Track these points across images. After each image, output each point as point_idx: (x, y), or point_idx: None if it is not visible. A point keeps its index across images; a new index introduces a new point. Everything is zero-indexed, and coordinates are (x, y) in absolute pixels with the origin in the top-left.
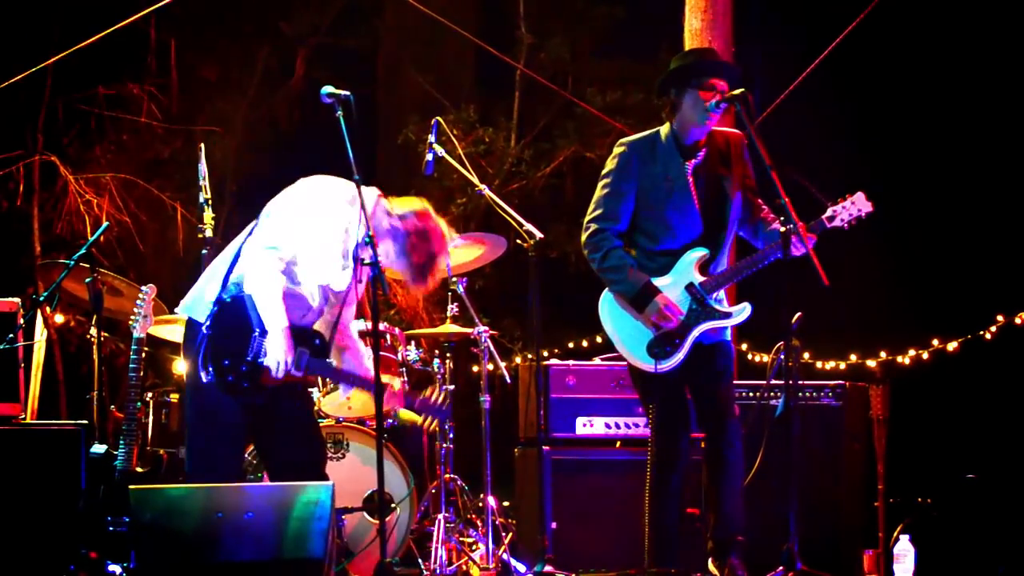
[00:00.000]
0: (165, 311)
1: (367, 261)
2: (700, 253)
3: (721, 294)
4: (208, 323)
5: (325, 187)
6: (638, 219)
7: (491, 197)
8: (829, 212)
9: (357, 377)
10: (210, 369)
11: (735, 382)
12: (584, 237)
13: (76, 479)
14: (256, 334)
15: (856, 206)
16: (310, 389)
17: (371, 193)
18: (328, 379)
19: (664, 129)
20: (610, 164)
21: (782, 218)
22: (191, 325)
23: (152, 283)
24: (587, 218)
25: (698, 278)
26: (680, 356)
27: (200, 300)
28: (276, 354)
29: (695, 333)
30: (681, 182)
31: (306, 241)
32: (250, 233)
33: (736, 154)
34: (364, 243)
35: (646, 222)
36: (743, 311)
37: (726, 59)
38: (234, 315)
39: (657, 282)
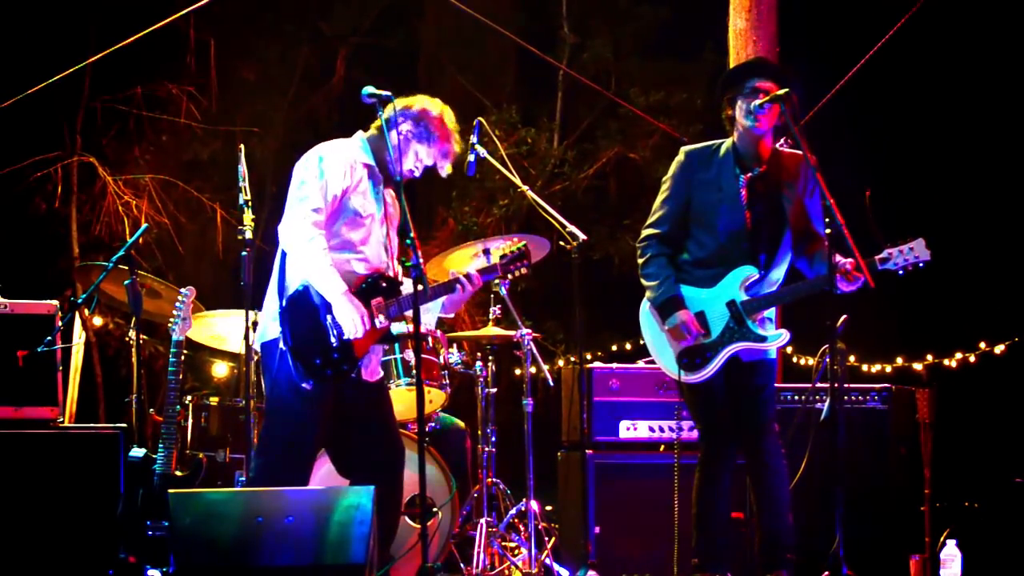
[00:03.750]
0: (205, 313)
1: (409, 264)
2: (749, 272)
3: (771, 313)
4: (283, 337)
5: (323, 148)
6: (691, 227)
7: (533, 198)
8: (884, 254)
9: (432, 290)
10: (306, 376)
11: (780, 385)
12: (638, 242)
13: (115, 483)
14: (329, 318)
15: (915, 252)
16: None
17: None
18: (414, 308)
19: (728, 141)
20: (670, 171)
21: (827, 219)
22: (266, 349)
23: (191, 285)
24: (645, 223)
25: (741, 296)
26: (710, 370)
27: (266, 320)
28: (348, 321)
29: (728, 350)
30: (732, 193)
31: (327, 187)
32: None
33: (802, 177)
34: (407, 245)
35: (697, 230)
36: (780, 337)
37: (771, 60)
38: (302, 312)
39: (701, 292)
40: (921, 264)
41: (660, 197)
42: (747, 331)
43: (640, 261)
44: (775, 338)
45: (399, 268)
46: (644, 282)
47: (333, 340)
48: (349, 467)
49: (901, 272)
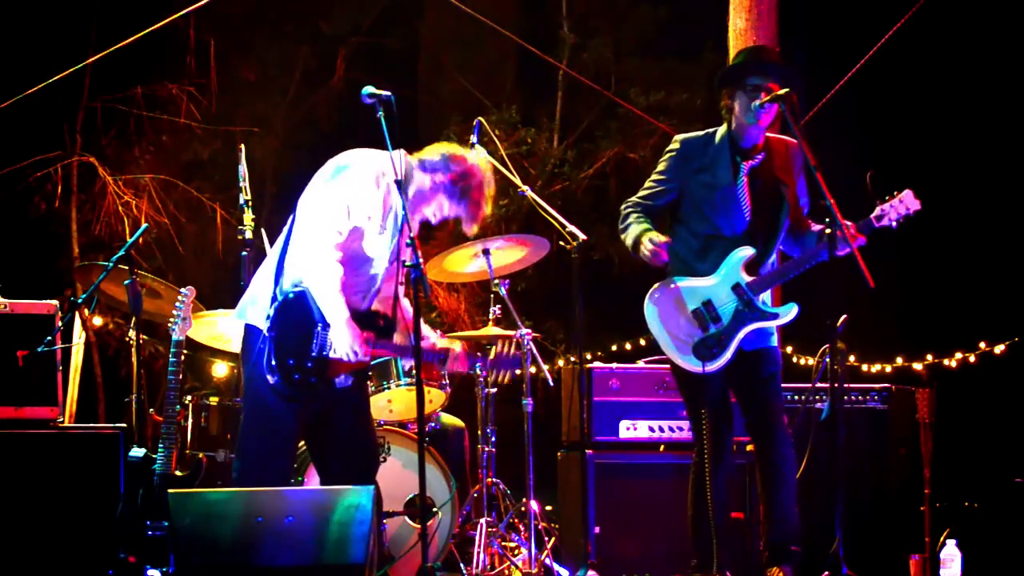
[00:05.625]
0: (205, 313)
1: (409, 263)
2: (748, 252)
3: (767, 295)
4: (269, 325)
5: (354, 158)
6: (683, 213)
7: (533, 198)
8: (877, 211)
9: (424, 352)
10: (275, 369)
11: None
12: (622, 207)
13: (115, 483)
14: (319, 328)
15: (904, 204)
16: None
17: (399, 156)
18: (394, 355)
19: (722, 129)
20: (663, 156)
21: (827, 219)
22: (249, 331)
23: (191, 285)
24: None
25: (745, 278)
26: (727, 357)
27: (255, 304)
28: (344, 346)
29: (741, 334)
30: (730, 182)
31: (351, 209)
32: (291, 228)
33: (793, 161)
34: (407, 244)
35: (690, 217)
36: (790, 311)
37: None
38: (295, 313)
39: (704, 281)
40: (912, 214)
41: (651, 181)
42: (757, 311)
43: (621, 226)
44: (786, 312)
45: (402, 301)
46: (623, 234)
47: (313, 351)
48: (327, 470)
49: (895, 225)
